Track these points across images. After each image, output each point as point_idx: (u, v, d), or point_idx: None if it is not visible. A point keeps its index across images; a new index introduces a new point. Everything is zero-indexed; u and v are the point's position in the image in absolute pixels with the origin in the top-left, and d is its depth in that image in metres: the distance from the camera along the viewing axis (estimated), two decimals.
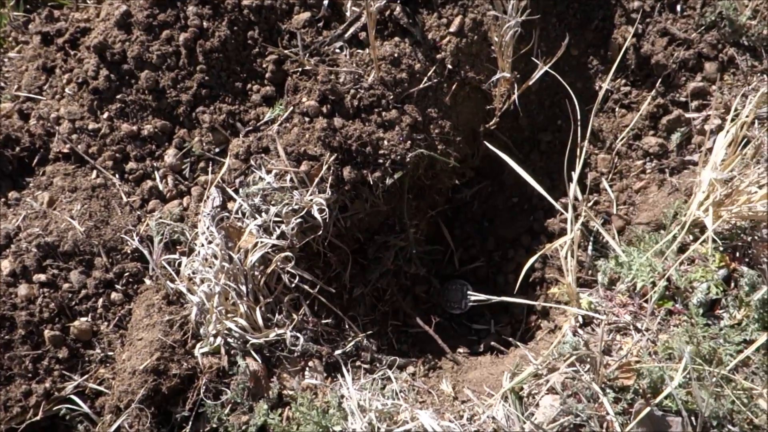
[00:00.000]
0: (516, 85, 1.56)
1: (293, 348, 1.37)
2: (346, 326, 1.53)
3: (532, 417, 1.28)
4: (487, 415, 1.30)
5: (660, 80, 1.65)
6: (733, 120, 1.41)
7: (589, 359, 1.29)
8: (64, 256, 1.38)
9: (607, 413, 1.23)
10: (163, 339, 1.26)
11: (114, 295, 1.38)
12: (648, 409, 1.21)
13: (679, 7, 1.65)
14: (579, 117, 1.65)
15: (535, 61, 1.55)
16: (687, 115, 1.64)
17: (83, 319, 1.35)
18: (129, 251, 1.42)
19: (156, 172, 1.50)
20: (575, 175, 1.41)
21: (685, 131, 1.63)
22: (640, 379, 1.27)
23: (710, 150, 1.44)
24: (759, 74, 1.61)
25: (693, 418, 1.22)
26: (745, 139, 1.46)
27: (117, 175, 1.49)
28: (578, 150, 1.40)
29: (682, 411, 1.23)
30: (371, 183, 1.51)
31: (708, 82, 1.63)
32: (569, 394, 1.27)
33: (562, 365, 1.28)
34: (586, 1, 1.69)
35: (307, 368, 1.38)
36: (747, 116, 1.35)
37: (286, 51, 1.52)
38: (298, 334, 1.38)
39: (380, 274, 1.68)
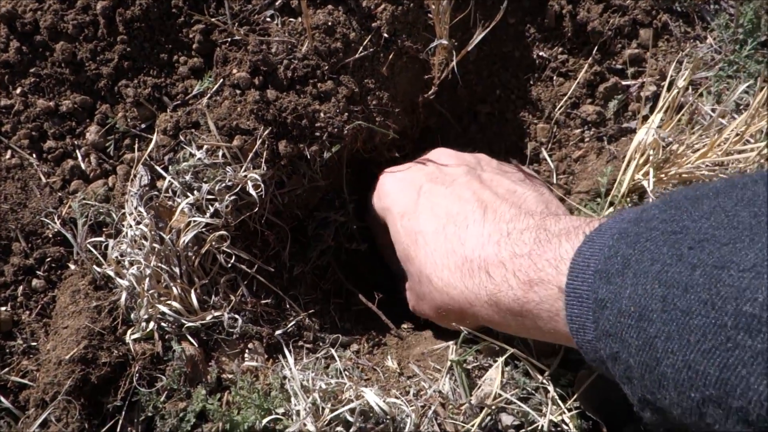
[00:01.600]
0: (454, 53, 1.52)
1: (231, 330, 1.31)
2: (287, 306, 1.48)
3: (479, 390, 1.26)
4: (433, 389, 1.28)
5: (596, 48, 1.65)
6: (669, 87, 1.41)
7: None
8: None
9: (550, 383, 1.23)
10: (90, 326, 1.19)
11: (35, 282, 1.29)
12: (591, 378, 1.21)
13: None
14: (516, 87, 1.63)
15: (468, 29, 1.52)
16: (624, 83, 1.64)
17: (2, 308, 1.26)
18: (50, 235, 1.33)
19: (77, 151, 1.41)
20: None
21: (622, 98, 1.63)
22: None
23: (645, 117, 1.45)
24: (692, 40, 1.63)
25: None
26: (679, 105, 1.47)
27: (34, 155, 1.39)
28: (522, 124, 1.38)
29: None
30: (308, 157, 1.46)
31: (643, 49, 1.64)
32: (514, 366, 1.26)
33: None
34: None
35: (247, 350, 1.33)
36: (684, 80, 1.36)
37: (213, 20, 1.45)
38: (237, 316, 1.32)
39: (321, 251, 1.63)
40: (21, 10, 1.38)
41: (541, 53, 1.69)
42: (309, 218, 1.63)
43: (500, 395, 1.24)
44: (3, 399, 1.18)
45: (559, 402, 1.21)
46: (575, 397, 1.20)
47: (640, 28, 1.64)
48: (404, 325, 1.68)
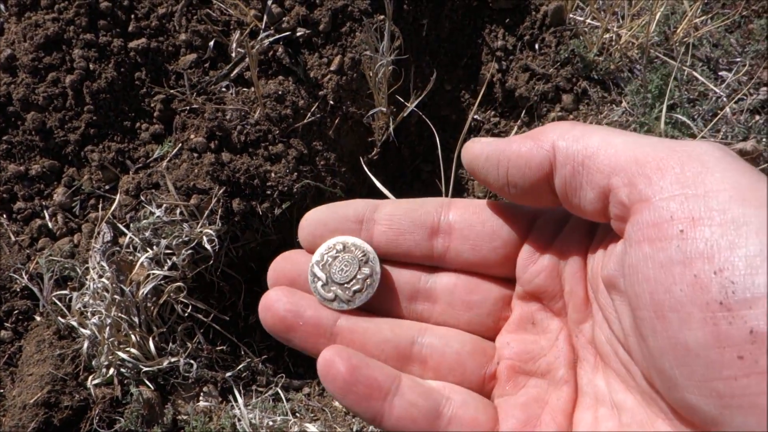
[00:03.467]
0: (392, 119, 1.68)
1: (187, 375, 1.41)
2: (242, 352, 1.59)
3: None
4: (372, 428, 1.39)
5: (524, 111, 1.82)
6: None
7: None
8: None
9: None
10: (54, 373, 1.29)
11: (3, 333, 1.39)
12: None
13: (537, 46, 1.84)
14: (454, 147, 1.79)
15: (409, 95, 1.69)
16: None
17: None
18: (18, 289, 1.44)
19: (45, 211, 1.53)
20: None
21: None
22: None
23: None
24: (609, 104, 1.81)
25: None
26: None
27: (5, 215, 1.51)
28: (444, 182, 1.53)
29: None
30: (261, 214, 1.59)
31: (566, 112, 1.81)
32: None
33: None
34: (456, 41, 1.85)
35: (202, 393, 1.43)
36: None
37: (173, 91, 1.59)
38: (192, 361, 1.43)
39: None
40: None
41: (475, 116, 1.86)
42: (263, 270, 1.75)
43: None
44: None
45: None
46: None
47: (563, 94, 1.82)
48: None
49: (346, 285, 0.52)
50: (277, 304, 0.53)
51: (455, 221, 0.55)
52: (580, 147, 0.46)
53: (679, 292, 0.38)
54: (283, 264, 0.56)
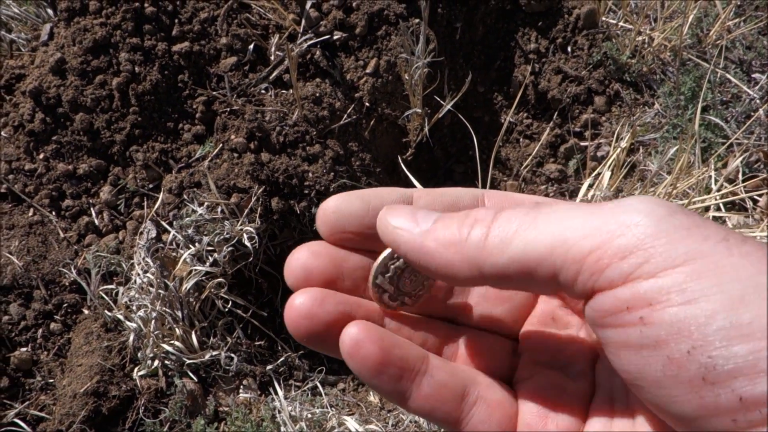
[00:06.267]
0: (427, 120, 1.71)
1: (228, 368, 1.46)
2: (279, 348, 1.63)
3: None
4: (410, 420, 1.42)
5: (556, 113, 1.84)
6: (615, 147, 1.60)
7: None
8: (3, 290, 1.44)
9: None
10: (102, 363, 1.34)
11: (53, 326, 1.45)
12: None
13: (569, 49, 1.86)
14: (486, 148, 1.82)
15: (443, 97, 1.72)
16: (581, 144, 1.83)
17: (23, 349, 1.41)
18: (67, 283, 1.49)
19: (92, 209, 1.58)
20: None
21: (581, 158, 1.82)
22: None
23: (598, 174, 1.63)
24: (641, 106, 1.83)
25: None
26: (630, 164, 1.66)
27: (54, 212, 1.57)
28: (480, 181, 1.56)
29: None
30: (298, 212, 1.63)
31: (598, 114, 1.83)
32: None
33: None
34: (489, 44, 1.88)
35: (242, 386, 1.47)
36: (626, 142, 1.54)
37: (214, 93, 1.64)
38: (233, 355, 1.47)
39: None
40: (46, 86, 1.58)
41: (508, 118, 1.89)
42: None
43: None
44: (26, 427, 1.32)
45: None
46: None
47: (595, 96, 1.84)
48: None
49: (413, 293, 0.52)
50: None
51: None
52: None
53: (654, 373, 0.38)
54: (314, 261, 0.48)
